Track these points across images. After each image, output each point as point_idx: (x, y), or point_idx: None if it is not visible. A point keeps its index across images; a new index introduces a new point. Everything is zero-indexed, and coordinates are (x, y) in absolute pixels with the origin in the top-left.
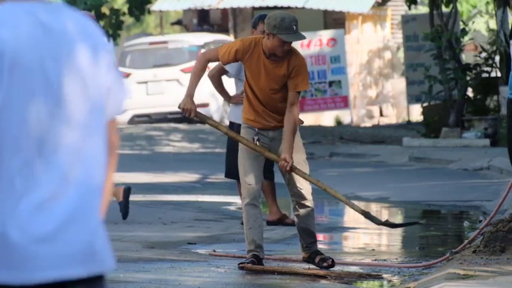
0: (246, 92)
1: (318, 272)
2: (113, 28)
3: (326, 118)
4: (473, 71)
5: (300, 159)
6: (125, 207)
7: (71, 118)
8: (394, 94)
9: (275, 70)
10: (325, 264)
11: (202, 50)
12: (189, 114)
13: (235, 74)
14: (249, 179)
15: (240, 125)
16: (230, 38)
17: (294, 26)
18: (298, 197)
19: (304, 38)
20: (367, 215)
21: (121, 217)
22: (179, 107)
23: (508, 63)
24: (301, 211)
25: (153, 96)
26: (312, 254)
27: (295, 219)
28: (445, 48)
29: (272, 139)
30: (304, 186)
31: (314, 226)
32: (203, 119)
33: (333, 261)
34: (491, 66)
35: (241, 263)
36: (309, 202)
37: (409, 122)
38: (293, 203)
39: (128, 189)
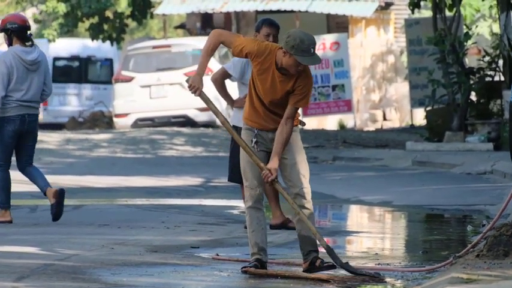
0: (250, 90)
1: (321, 276)
2: (117, 32)
3: (329, 122)
4: (477, 75)
5: (301, 159)
6: (57, 208)
7: None
8: (397, 98)
9: (282, 83)
10: (325, 264)
11: None
12: (194, 91)
13: (238, 78)
14: (251, 182)
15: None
16: None
17: (312, 49)
18: (299, 197)
19: (320, 61)
20: (330, 251)
21: (125, 221)
22: (187, 81)
23: (511, 67)
24: (302, 215)
25: (157, 100)
26: (313, 259)
27: (296, 226)
28: (448, 52)
29: (272, 140)
30: (306, 187)
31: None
32: (206, 101)
33: (334, 264)
34: (494, 70)
35: (245, 267)
36: (309, 204)
37: (412, 126)
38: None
39: (61, 192)
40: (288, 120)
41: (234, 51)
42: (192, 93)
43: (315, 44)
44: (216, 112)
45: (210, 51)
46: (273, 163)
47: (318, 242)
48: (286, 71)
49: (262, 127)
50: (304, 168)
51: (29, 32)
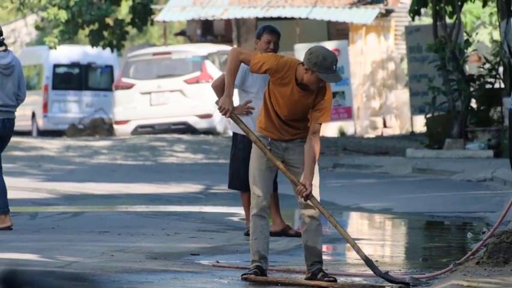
0: (265, 102)
1: (320, 283)
2: (117, 38)
3: (330, 129)
4: (477, 82)
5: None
6: None
7: None
8: (397, 105)
9: (302, 98)
10: (326, 279)
11: (206, 61)
12: (224, 113)
13: (239, 85)
14: (258, 190)
15: (243, 135)
16: None
17: (334, 66)
18: (309, 208)
19: (341, 79)
20: (368, 262)
21: (125, 228)
22: (216, 103)
23: (511, 75)
24: (310, 225)
25: (157, 106)
26: (316, 271)
27: (302, 236)
28: (448, 59)
29: (285, 149)
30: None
31: (321, 244)
32: (237, 122)
33: (335, 279)
34: (494, 77)
35: (245, 274)
36: (317, 214)
37: (412, 133)
38: (301, 217)
39: None
40: (314, 135)
41: (253, 68)
42: (222, 114)
43: (336, 61)
44: (248, 132)
45: (233, 72)
46: (308, 178)
47: (357, 253)
48: (306, 86)
49: (278, 138)
50: (314, 179)
51: (1, 37)
